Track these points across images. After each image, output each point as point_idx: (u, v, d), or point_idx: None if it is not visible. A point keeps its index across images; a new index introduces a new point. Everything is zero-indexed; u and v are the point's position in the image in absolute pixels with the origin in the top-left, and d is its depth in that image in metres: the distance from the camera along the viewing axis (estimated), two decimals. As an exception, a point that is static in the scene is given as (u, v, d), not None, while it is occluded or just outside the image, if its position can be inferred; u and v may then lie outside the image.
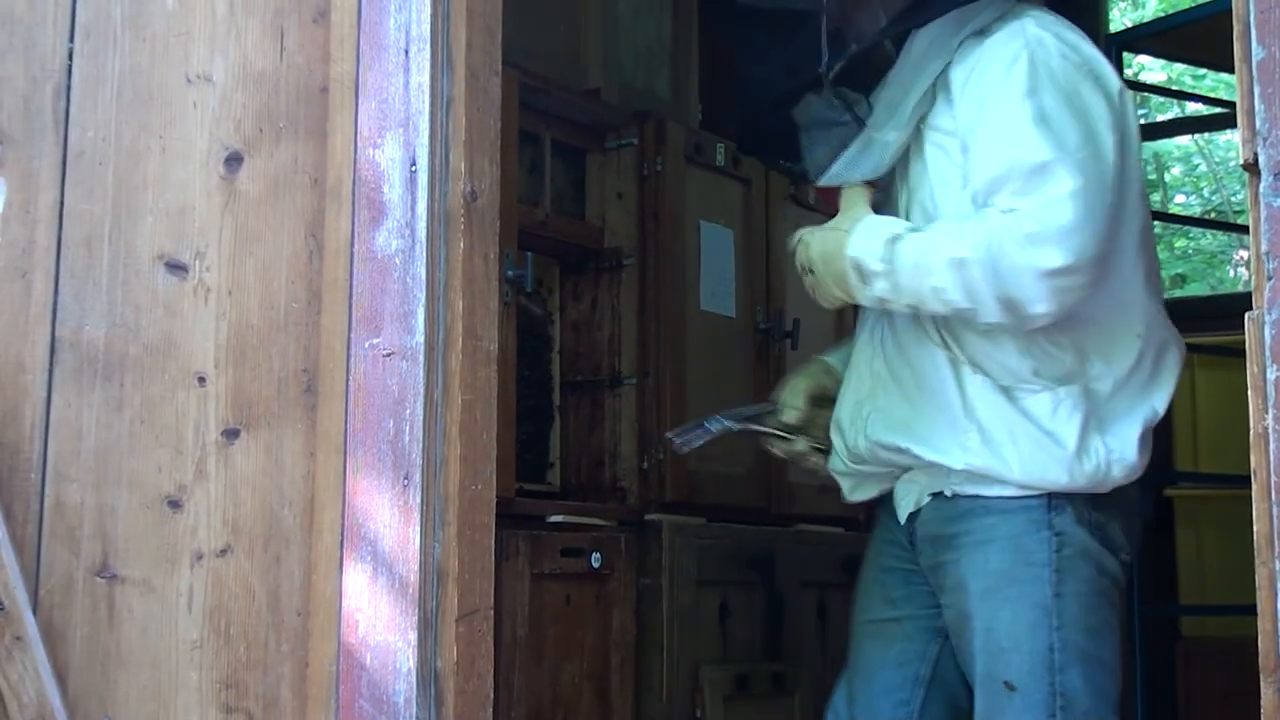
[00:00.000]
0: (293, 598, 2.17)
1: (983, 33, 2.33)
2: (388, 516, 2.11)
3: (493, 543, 2.18)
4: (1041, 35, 2.30)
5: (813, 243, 2.41)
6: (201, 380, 2.24)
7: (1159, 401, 2.33)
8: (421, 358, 2.12)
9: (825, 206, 2.61)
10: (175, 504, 2.22)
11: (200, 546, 2.21)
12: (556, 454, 3.33)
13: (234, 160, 2.28)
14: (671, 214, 3.39)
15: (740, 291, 3.55)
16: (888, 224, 2.34)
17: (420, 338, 2.12)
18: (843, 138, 2.39)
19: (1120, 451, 2.28)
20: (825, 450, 2.54)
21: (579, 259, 3.38)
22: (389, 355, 2.13)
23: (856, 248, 2.33)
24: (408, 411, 2.12)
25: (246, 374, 2.22)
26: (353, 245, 2.18)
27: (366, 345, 2.15)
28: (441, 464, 2.13)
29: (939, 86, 2.36)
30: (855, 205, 2.41)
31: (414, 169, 2.17)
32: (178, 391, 2.24)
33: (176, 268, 2.27)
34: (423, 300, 2.13)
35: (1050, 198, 2.18)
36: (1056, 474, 2.27)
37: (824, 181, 2.44)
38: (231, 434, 2.22)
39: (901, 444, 2.36)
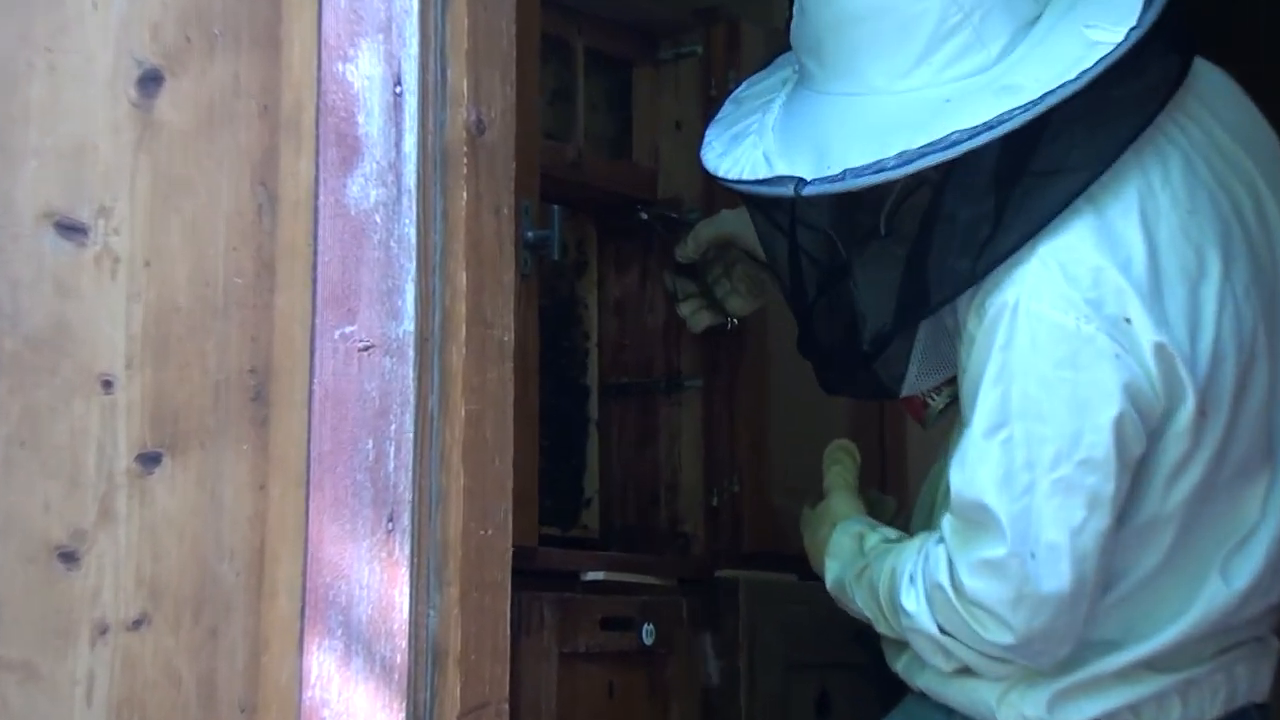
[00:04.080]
0: (234, 686, 2.17)
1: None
2: (366, 574, 2.11)
3: (508, 610, 2.19)
4: (1028, 308, 2.41)
5: (805, 531, 2.94)
6: (108, 385, 2.25)
7: None
8: (411, 352, 2.13)
9: (912, 413, 2.92)
10: (70, 557, 2.23)
11: (105, 616, 2.21)
12: (594, 486, 3.35)
13: (151, 80, 2.28)
14: (750, 150, 3.39)
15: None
16: (849, 551, 2.73)
17: (410, 325, 2.13)
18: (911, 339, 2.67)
19: None
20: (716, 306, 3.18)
21: (624, 214, 3.39)
22: (367, 349, 2.14)
23: (828, 570, 2.78)
24: (393, 428, 2.12)
25: (171, 376, 2.23)
26: (317, 197, 2.18)
27: (336, 335, 2.15)
28: (439, 500, 2.14)
29: None
30: (837, 505, 2.86)
31: (399, 90, 2.18)
32: (74, 400, 2.25)
33: (71, 229, 2.28)
34: (412, 273, 2.14)
35: (983, 559, 2.43)
36: None
37: (905, 391, 2.74)
38: (149, 459, 2.23)
39: None
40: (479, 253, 2.19)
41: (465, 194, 2.18)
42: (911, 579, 2.51)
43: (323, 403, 2.15)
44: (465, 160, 2.19)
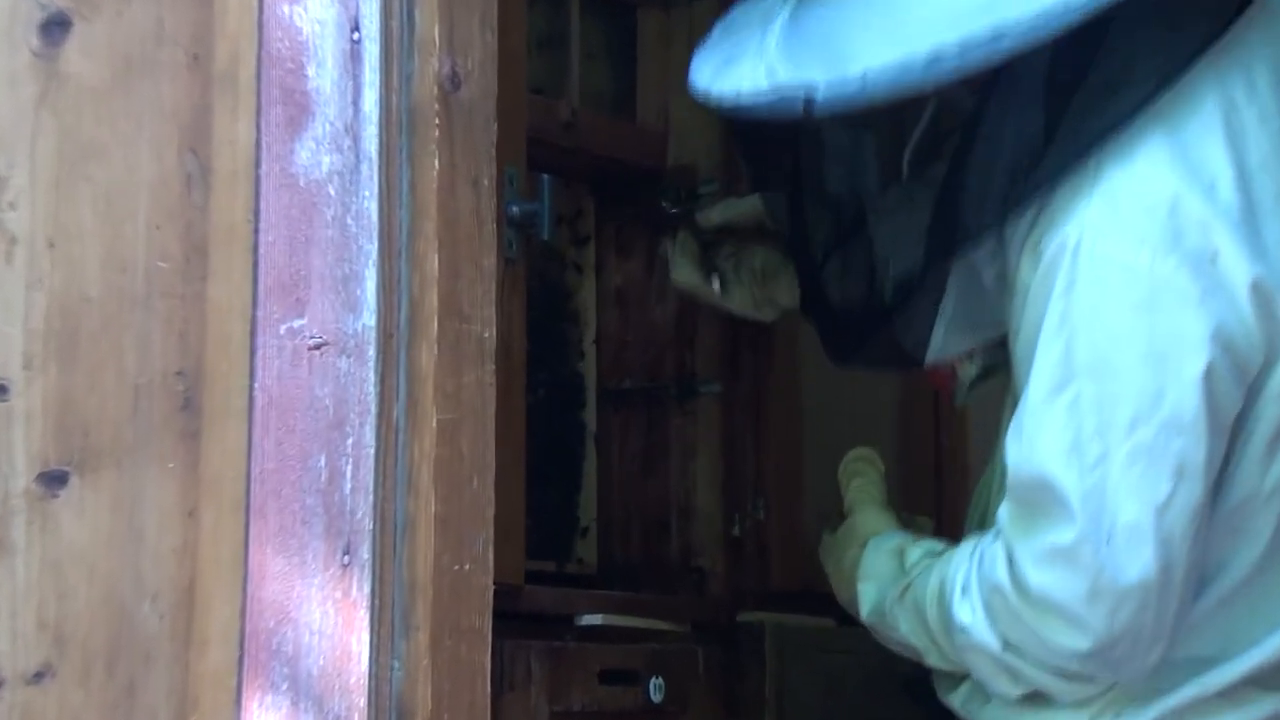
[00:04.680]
0: (157, 753, 2.18)
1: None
2: (317, 617, 2.11)
3: (489, 661, 2.19)
4: (1093, 246, 2.37)
5: (827, 560, 2.93)
6: (2, 390, 2.25)
7: None
8: (372, 351, 2.14)
9: (939, 385, 3.02)
10: (-43, 597, 2.23)
11: None
12: (591, 512, 3.35)
13: (56, 25, 2.29)
14: (778, 109, 3.39)
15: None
16: (887, 570, 2.74)
17: (370, 318, 2.14)
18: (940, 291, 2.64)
19: None
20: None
21: (626, 185, 3.39)
22: (319, 347, 2.14)
23: (862, 596, 2.77)
24: (350, 441, 2.13)
25: (80, 380, 2.23)
26: (258, 165, 2.18)
27: (282, 331, 2.15)
28: (405, 529, 2.14)
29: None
30: (864, 521, 2.88)
31: (356, 37, 2.18)
32: (-39, 409, 2.25)
33: (-42, 204, 2.28)
34: (373, 256, 2.15)
35: (1049, 547, 2.39)
36: None
37: (932, 355, 2.72)
38: (53, 479, 2.22)
39: None
40: (453, 232, 2.19)
41: (437, 162, 2.18)
42: (964, 588, 2.49)
43: (265, 412, 2.15)
44: (436, 121, 2.19)
